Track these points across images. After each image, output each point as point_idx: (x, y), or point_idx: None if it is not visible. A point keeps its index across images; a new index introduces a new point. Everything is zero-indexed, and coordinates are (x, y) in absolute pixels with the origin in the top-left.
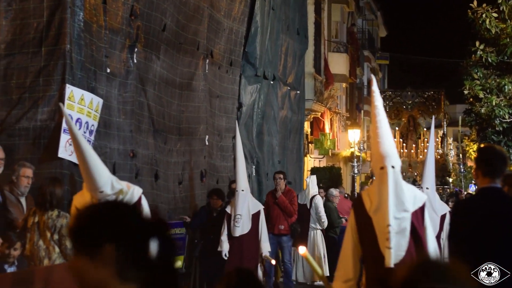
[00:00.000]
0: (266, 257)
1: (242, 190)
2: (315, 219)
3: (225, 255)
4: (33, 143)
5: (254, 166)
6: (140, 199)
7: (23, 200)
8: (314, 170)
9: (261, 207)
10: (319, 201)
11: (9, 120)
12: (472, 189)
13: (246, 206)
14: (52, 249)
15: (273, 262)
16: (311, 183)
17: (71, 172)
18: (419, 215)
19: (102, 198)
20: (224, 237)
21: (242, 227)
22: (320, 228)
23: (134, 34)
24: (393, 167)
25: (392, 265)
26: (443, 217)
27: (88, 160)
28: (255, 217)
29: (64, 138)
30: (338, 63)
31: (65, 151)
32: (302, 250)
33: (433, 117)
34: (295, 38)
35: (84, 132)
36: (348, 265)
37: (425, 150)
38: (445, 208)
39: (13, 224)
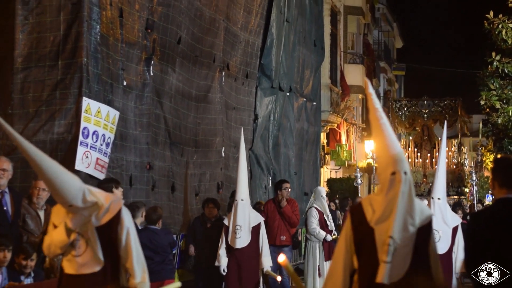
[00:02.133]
0: (269, 272)
1: (242, 200)
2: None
3: (224, 270)
4: (50, 156)
5: (270, 178)
6: (119, 213)
7: (41, 213)
8: (330, 181)
9: (261, 219)
10: (309, 214)
11: (26, 133)
12: (489, 199)
13: (247, 217)
14: None
15: (279, 278)
16: (313, 195)
17: (88, 185)
18: (426, 232)
19: (74, 212)
20: (222, 251)
21: (242, 239)
22: (317, 240)
23: (150, 47)
24: (405, 173)
25: (385, 281)
26: (454, 229)
27: (49, 172)
28: (255, 230)
29: (81, 150)
30: (354, 74)
31: (82, 163)
32: (281, 258)
33: (445, 121)
34: (311, 49)
35: (101, 145)
36: (337, 280)
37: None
38: (457, 220)
39: (30, 237)
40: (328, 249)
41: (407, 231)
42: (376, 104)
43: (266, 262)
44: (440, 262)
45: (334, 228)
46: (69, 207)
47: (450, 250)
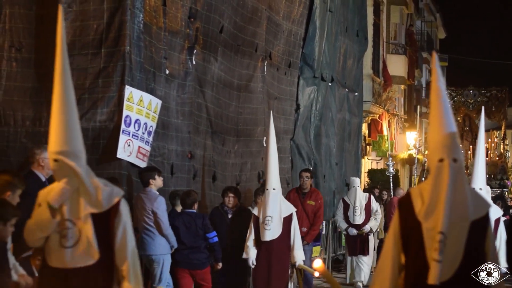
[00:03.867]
0: (303, 267)
1: (274, 189)
2: None
3: (252, 263)
4: (92, 144)
5: (311, 168)
6: (118, 203)
7: None
8: (371, 172)
9: (293, 209)
10: (337, 204)
11: None
12: None
13: (278, 207)
14: None
15: (317, 274)
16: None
17: (129, 173)
18: (480, 226)
19: (58, 176)
20: (250, 243)
21: (272, 231)
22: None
23: (193, 36)
24: (455, 160)
25: (437, 282)
26: (496, 222)
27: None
28: (287, 221)
29: (123, 139)
30: (397, 65)
31: (123, 152)
32: (317, 263)
33: (483, 107)
34: (354, 39)
35: (143, 133)
36: (386, 278)
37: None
38: (498, 212)
39: None
40: (354, 244)
41: (457, 225)
42: (438, 81)
43: (299, 256)
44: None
45: (374, 222)
46: (54, 162)
47: None
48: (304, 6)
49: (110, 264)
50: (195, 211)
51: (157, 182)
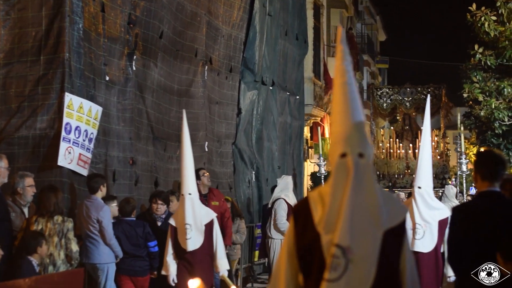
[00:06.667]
0: (224, 278)
1: (190, 194)
2: (274, 227)
3: (173, 280)
4: (32, 151)
5: (254, 172)
6: None
7: (26, 210)
8: (314, 175)
9: (214, 215)
10: (278, 206)
11: (8, 129)
12: (472, 191)
13: (197, 213)
14: (57, 255)
15: None
16: (280, 184)
17: (71, 180)
18: (395, 237)
19: None
20: (169, 257)
21: (193, 240)
22: (281, 238)
23: (132, 41)
24: (361, 155)
25: None
26: (442, 224)
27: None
28: (208, 228)
29: (64, 146)
30: None
31: (64, 159)
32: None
33: (428, 96)
34: (294, 43)
35: (84, 140)
36: None
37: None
38: (444, 213)
39: (14, 235)
40: None
41: (366, 236)
42: (344, 60)
43: (223, 266)
44: (425, 263)
45: None
46: None
47: (437, 248)
48: (243, 11)
49: None
50: (134, 219)
51: (104, 189)
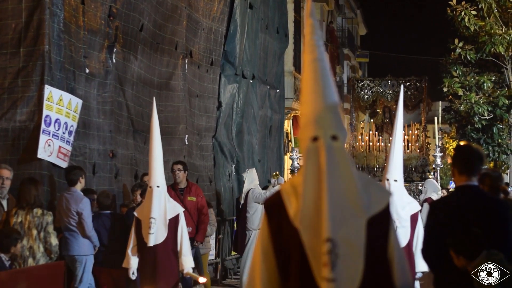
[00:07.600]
0: (190, 274)
1: (158, 187)
2: (250, 218)
3: (133, 273)
4: (12, 144)
5: (234, 165)
6: None
7: (4, 202)
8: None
9: (181, 209)
10: (252, 192)
11: None
12: (452, 186)
13: (163, 207)
14: (37, 248)
15: (201, 280)
16: (248, 177)
17: (51, 173)
18: (380, 223)
19: None
20: (131, 251)
21: (156, 235)
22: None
23: (112, 34)
24: (334, 137)
25: None
26: (413, 218)
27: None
28: (173, 223)
29: (43, 139)
30: None
31: (44, 152)
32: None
33: (401, 85)
34: (274, 36)
35: (64, 133)
36: None
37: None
38: (415, 207)
39: None
40: None
41: (349, 226)
42: (314, 34)
43: (187, 263)
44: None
45: None
46: None
47: (410, 243)
48: (224, 4)
49: None
50: (112, 212)
51: (83, 181)
